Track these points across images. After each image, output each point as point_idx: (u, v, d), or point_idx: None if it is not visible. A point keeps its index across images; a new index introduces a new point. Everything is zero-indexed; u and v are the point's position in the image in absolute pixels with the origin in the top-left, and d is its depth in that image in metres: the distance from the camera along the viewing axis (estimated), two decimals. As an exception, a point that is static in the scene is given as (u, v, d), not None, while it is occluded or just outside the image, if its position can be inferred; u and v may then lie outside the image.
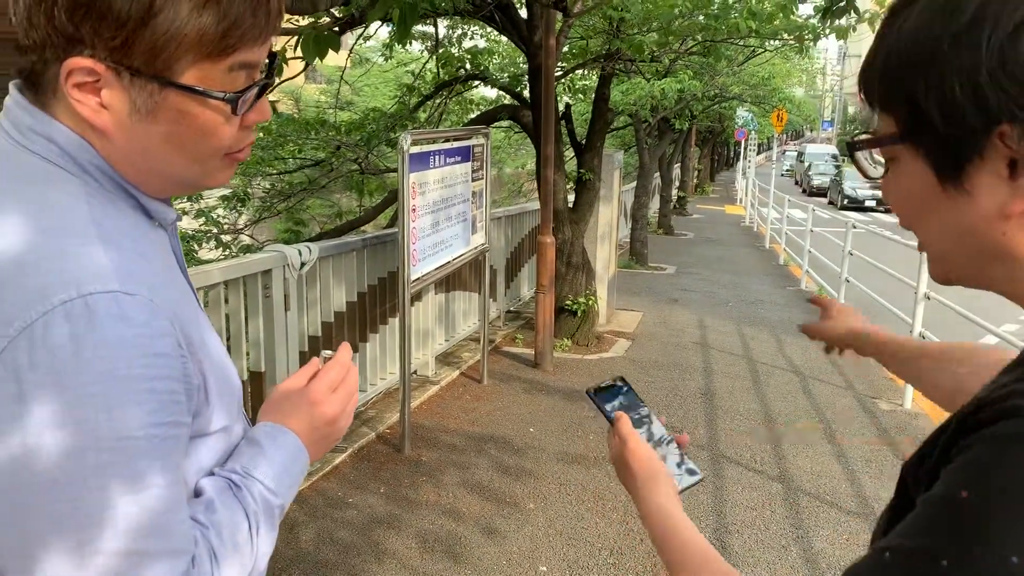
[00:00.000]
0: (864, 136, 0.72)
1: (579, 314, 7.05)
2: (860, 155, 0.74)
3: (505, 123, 9.97)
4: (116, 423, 0.71)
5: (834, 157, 35.19)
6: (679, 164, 21.73)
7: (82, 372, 0.70)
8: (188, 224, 7.99)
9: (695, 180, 27.54)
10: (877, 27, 0.71)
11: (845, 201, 24.67)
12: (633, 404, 1.07)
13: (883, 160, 0.72)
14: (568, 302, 7.02)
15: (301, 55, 2.91)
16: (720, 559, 0.87)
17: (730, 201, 27.01)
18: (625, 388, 1.10)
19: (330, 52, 3.30)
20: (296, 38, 3.32)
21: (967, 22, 0.60)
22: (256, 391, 4.00)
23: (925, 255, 0.74)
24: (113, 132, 0.81)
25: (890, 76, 0.67)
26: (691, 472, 1.01)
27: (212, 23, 0.78)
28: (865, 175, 0.76)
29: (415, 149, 4.57)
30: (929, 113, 0.63)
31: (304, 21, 4.95)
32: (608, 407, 1.07)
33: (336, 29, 6.62)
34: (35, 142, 0.80)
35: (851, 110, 57.35)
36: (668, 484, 0.97)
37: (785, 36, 7.49)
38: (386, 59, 9.32)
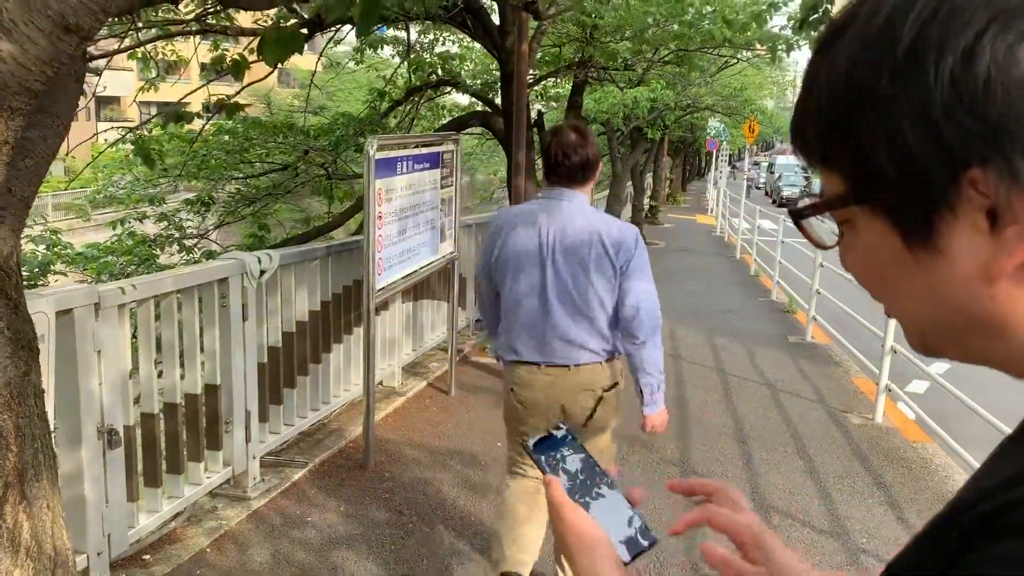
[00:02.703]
0: (808, 201, 0.60)
1: (549, 324, 6.94)
2: (808, 223, 0.62)
3: (477, 129, 9.85)
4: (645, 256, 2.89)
5: (803, 168, 35.51)
6: (651, 173, 21.77)
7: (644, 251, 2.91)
8: (150, 228, 7.77)
9: (667, 190, 27.64)
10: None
11: (815, 212, 24.88)
12: (576, 456, 0.93)
13: (836, 223, 0.60)
14: (538, 312, 6.91)
15: (262, 58, 2.76)
16: None
17: (701, 211, 27.12)
18: (568, 437, 0.96)
19: (302, 57, 3.16)
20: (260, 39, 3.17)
21: (907, 51, 0.50)
22: (211, 405, 3.82)
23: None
24: None
25: (827, 125, 0.56)
26: (644, 535, 0.85)
27: None
28: (819, 245, 0.64)
29: (381, 155, 4.43)
30: (880, 164, 0.53)
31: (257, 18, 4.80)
32: (547, 461, 0.92)
33: (304, 30, 6.47)
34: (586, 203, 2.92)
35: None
36: (609, 561, 0.82)
37: (758, 46, 7.45)
38: (356, 63, 9.17)
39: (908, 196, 0.52)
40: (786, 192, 31.65)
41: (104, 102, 33.88)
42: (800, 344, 8.11)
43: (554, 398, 2.89)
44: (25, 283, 6.05)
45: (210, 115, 6.66)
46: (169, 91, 8.14)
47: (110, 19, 5.30)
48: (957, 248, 0.52)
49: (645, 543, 0.85)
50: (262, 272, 4.03)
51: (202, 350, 3.77)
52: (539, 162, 8.15)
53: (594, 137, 2.96)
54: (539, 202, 2.95)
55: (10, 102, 1.40)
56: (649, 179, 21.84)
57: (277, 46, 3.00)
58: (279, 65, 6.23)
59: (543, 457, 0.92)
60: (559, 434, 0.95)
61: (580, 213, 2.84)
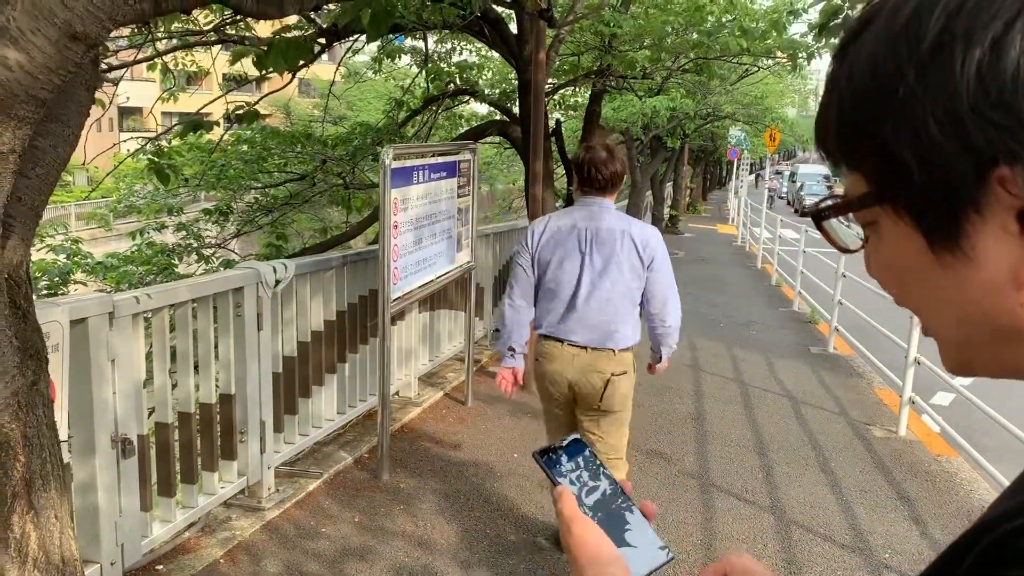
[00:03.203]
0: (830, 201, 0.58)
1: (567, 334, 6.89)
2: (830, 225, 0.60)
3: (497, 139, 9.85)
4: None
5: (826, 177, 35.29)
6: (671, 183, 21.67)
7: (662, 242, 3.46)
8: (168, 238, 7.82)
9: (687, 199, 27.51)
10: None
11: (837, 221, 24.57)
12: (589, 469, 0.90)
13: (861, 227, 0.58)
14: (556, 322, 6.86)
15: (271, 66, 2.75)
16: None
17: (722, 220, 26.95)
18: (581, 449, 0.91)
19: (322, 67, 3.15)
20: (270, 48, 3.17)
21: (932, 45, 0.48)
22: (226, 414, 3.82)
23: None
24: None
25: (851, 123, 0.54)
26: (659, 551, 0.84)
27: None
28: (841, 249, 0.61)
29: (397, 164, 4.42)
30: (905, 163, 0.50)
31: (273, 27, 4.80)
32: (557, 473, 0.88)
33: (322, 40, 6.50)
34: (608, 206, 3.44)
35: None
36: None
37: (778, 54, 7.39)
38: (375, 73, 9.20)
39: (933, 196, 0.50)
40: (808, 201, 31.39)
41: (127, 113, 34.28)
42: (822, 355, 8.01)
43: (569, 372, 3.36)
44: (46, 292, 6.03)
45: (229, 125, 6.71)
46: (189, 101, 8.20)
47: (129, 29, 5.34)
48: (984, 251, 0.49)
49: (661, 559, 0.83)
50: (277, 282, 4.03)
51: (217, 359, 3.76)
52: (557, 171, 8.16)
53: (621, 152, 3.53)
54: (575, 208, 3.48)
55: (17, 111, 1.39)
56: (669, 188, 21.76)
57: (285, 53, 3.00)
58: (296, 75, 6.25)
59: (555, 467, 0.89)
60: (573, 445, 0.92)
61: (610, 216, 3.39)
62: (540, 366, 3.46)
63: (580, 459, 0.90)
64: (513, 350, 3.54)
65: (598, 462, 0.91)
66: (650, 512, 0.88)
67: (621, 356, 3.36)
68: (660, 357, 3.55)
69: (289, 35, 4.37)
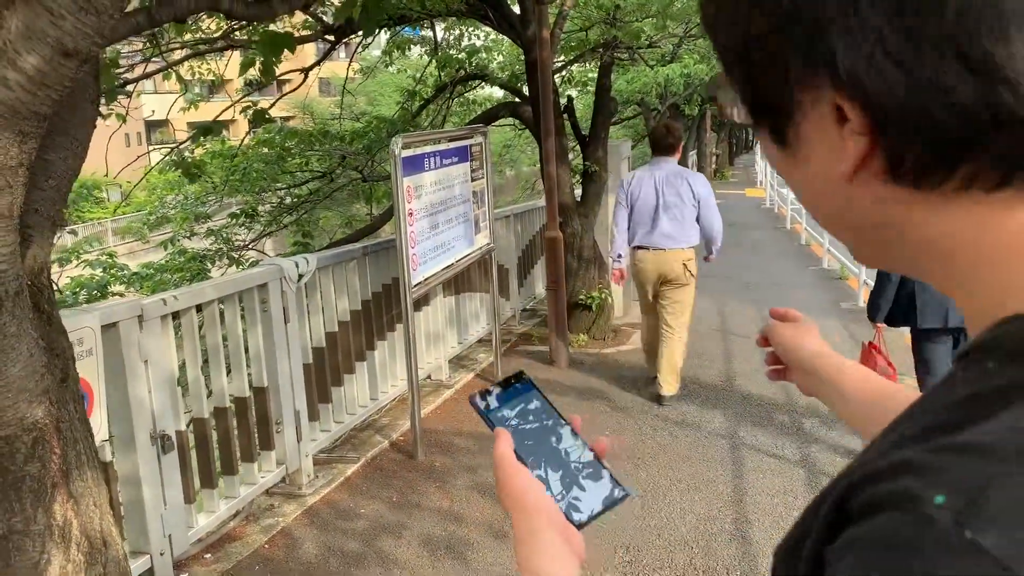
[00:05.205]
0: None
1: (593, 308, 6.95)
2: None
3: (516, 122, 9.88)
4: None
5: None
6: (695, 151, 21.49)
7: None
8: (198, 244, 8.02)
9: (713, 166, 27.26)
10: None
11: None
12: (533, 409, 0.84)
13: None
14: (582, 297, 6.92)
15: (260, 57, 2.85)
16: None
17: (750, 184, 26.66)
18: (525, 389, 0.85)
19: (342, 64, 3.24)
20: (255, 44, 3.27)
21: None
22: (260, 406, 3.96)
23: None
24: None
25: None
26: (613, 490, 0.78)
27: None
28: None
29: (408, 152, 4.51)
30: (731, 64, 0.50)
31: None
32: (494, 417, 0.82)
33: (331, 37, 6.61)
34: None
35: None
36: (547, 528, 0.73)
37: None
38: (386, 65, 9.29)
39: (757, 102, 0.49)
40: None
41: (154, 126, 34.85)
42: (852, 310, 7.97)
43: (658, 266, 5.30)
44: (85, 304, 6.19)
45: (251, 129, 6.86)
46: (212, 109, 8.38)
47: (142, 43, 5.48)
48: (809, 150, 0.47)
49: (615, 498, 0.79)
50: (300, 276, 4.15)
51: (248, 354, 3.90)
52: (573, 148, 8.20)
53: (677, 128, 5.60)
54: (651, 164, 5.41)
55: (21, 127, 1.50)
56: (693, 156, 21.60)
57: (271, 45, 3.10)
58: (309, 75, 6.32)
59: (493, 412, 0.84)
60: (517, 383, 0.86)
61: (673, 167, 5.34)
62: (636, 265, 5.37)
63: (522, 399, 0.85)
64: (620, 257, 5.45)
65: (545, 401, 0.86)
66: (602, 449, 0.83)
67: (688, 251, 5.29)
68: (711, 251, 5.53)
69: (283, 32, 4.48)
